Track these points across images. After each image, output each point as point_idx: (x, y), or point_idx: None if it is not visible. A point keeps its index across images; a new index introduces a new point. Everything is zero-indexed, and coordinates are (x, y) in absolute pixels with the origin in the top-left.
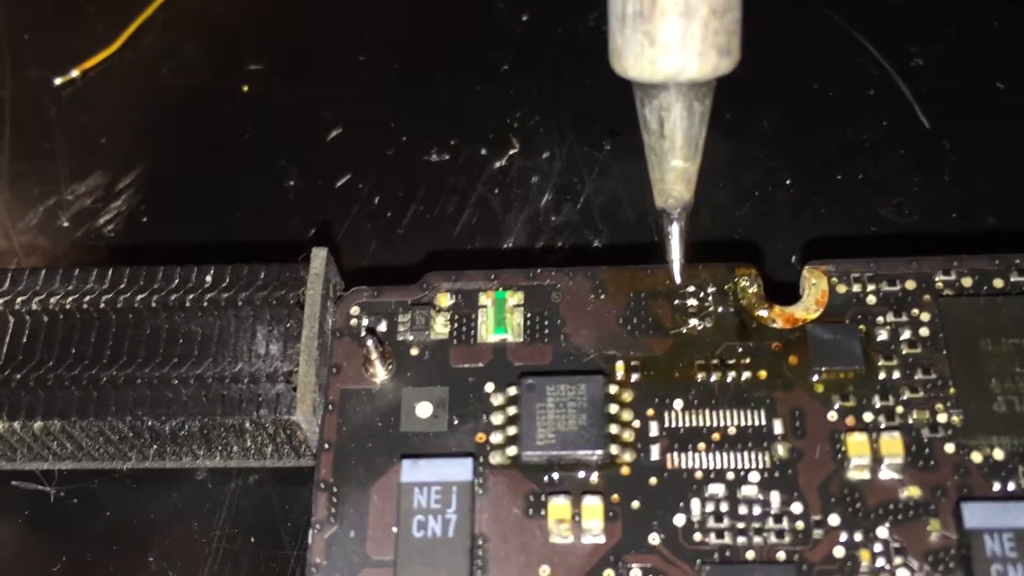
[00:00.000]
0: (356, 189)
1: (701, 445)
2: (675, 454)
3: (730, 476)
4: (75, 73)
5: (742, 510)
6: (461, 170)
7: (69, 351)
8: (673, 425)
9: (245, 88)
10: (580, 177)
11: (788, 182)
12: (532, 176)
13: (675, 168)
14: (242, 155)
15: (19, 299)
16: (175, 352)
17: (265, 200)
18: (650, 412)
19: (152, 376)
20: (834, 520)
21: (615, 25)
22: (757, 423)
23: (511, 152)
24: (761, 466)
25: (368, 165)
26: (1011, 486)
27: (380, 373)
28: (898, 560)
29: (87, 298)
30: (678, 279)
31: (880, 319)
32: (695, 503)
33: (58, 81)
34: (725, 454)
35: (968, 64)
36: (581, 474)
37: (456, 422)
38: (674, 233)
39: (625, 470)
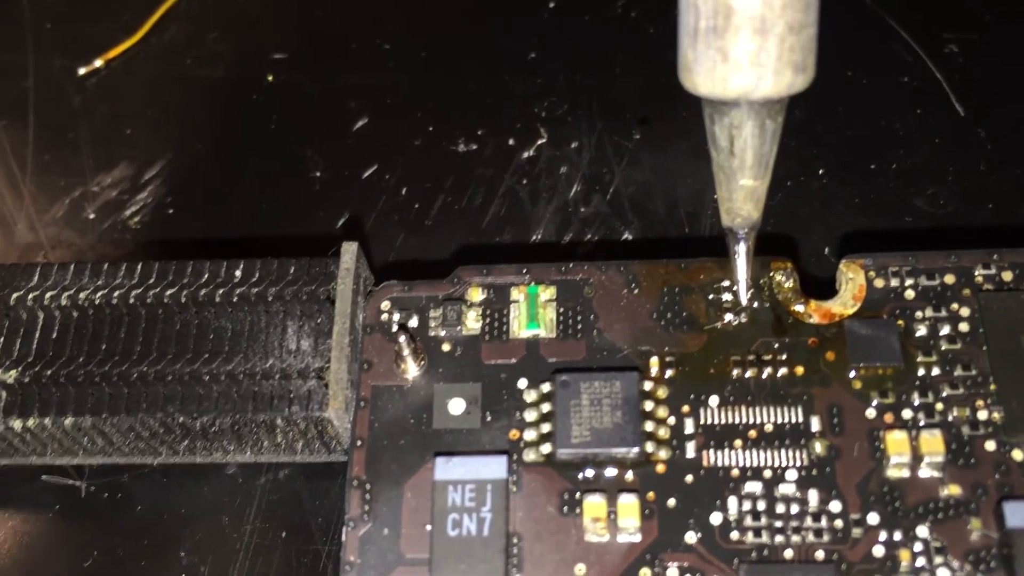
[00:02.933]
0: (383, 180)
1: (737, 442)
2: (711, 451)
3: (767, 474)
4: (99, 63)
5: (780, 508)
6: (489, 161)
7: (99, 347)
8: (709, 422)
9: (270, 78)
10: (609, 167)
11: (821, 172)
12: (561, 166)
13: (744, 187)
14: (267, 146)
15: (48, 294)
16: (205, 348)
17: (291, 191)
18: (685, 409)
19: (183, 372)
20: (873, 519)
21: (686, 40)
22: (794, 420)
23: (539, 142)
24: (799, 464)
25: (395, 156)
26: None
27: (412, 369)
28: (938, 560)
29: (116, 293)
30: (744, 300)
31: (919, 314)
32: (732, 501)
33: (82, 71)
34: (762, 451)
35: (1003, 51)
36: (616, 472)
37: (489, 419)
38: (741, 253)
39: (661, 468)
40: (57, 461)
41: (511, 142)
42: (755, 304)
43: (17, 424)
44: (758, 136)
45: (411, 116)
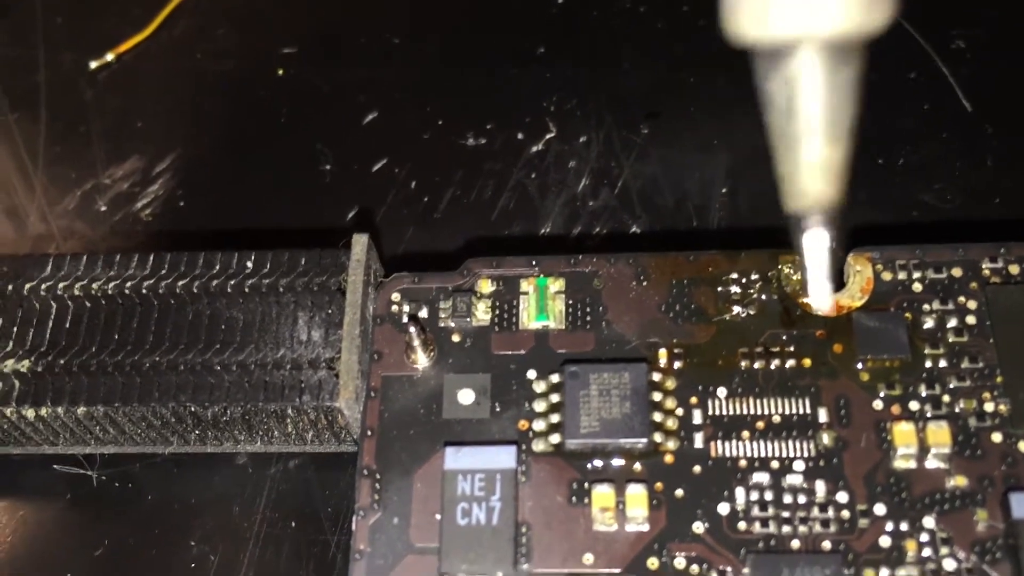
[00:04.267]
0: (392, 173)
1: (745, 433)
2: (719, 442)
3: (775, 465)
4: (110, 57)
5: (787, 499)
6: (498, 155)
7: (111, 336)
8: (717, 413)
9: (280, 72)
10: (618, 161)
11: None
12: (569, 160)
13: (813, 157)
14: (277, 139)
15: (61, 284)
16: (217, 338)
17: (301, 184)
18: (693, 400)
19: (194, 362)
20: (880, 509)
21: None
22: (802, 411)
23: (548, 136)
24: (806, 455)
25: (404, 149)
26: None
27: (422, 360)
28: (944, 550)
29: (129, 283)
30: (824, 307)
31: (926, 307)
32: (740, 492)
33: (93, 65)
34: (769, 442)
35: (1010, 47)
36: (624, 462)
37: (498, 409)
38: (810, 244)
39: (669, 458)
40: (69, 450)
41: (520, 136)
42: (763, 296)
43: (30, 413)
44: (828, 87)
45: (420, 110)
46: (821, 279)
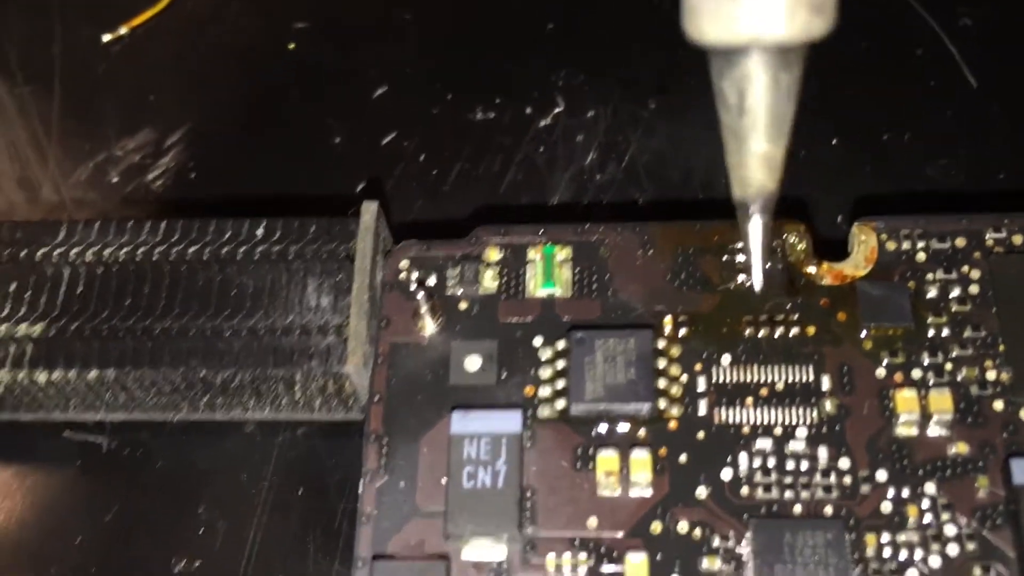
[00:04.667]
0: (402, 147)
1: (749, 400)
2: (723, 409)
3: (778, 431)
4: (123, 31)
5: (789, 465)
6: (506, 129)
7: (123, 302)
8: (721, 380)
9: (291, 46)
10: (625, 135)
11: (834, 142)
12: (577, 134)
13: (757, 151)
14: (288, 113)
15: (74, 251)
16: (227, 304)
17: (311, 158)
18: (698, 367)
19: (205, 327)
20: (882, 476)
21: None
22: (805, 379)
23: (556, 111)
24: (809, 421)
25: (413, 123)
26: None
27: (429, 326)
28: (945, 516)
29: (141, 250)
30: (759, 285)
31: (930, 276)
32: (743, 457)
33: (107, 38)
34: (773, 409)
35: (1016, 25)
36: (629, 427)
37: (505, 375)
38: (753, 228)
39: (673, 424)
40: (80, 416)
41: (528, 111)
42: (768, 265)
43: (42, 376)
44: (772, 90)
45: (430, 85)
46: (758, 257)
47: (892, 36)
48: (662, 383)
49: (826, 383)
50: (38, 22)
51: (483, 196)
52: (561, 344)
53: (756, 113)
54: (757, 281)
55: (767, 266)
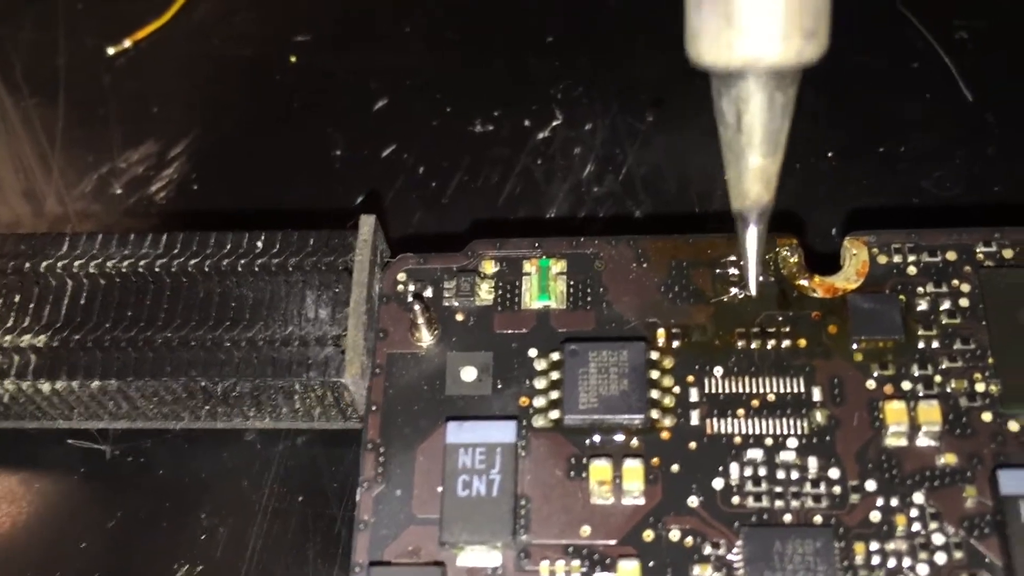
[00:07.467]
0: (401, 159)
1: (740, 411)
2: (715, 419)
3: (768, 441)
4: (127, 43)
5: (780, 475)
6: (505, 141)
7: (125, 313)
8: (713, 391)
9: (293, 59)
10: (622, 148)
11: (830, 154)
12: (575, 147)
13: (753, 166)
14: (290, 125)
15: (77, 262)
16: (227, 315)
17: (312, 169)
18: (690, 378)
19: (205, 338)
20: (871, 485)
21: (691, 4)
22: (796, 390)
23: (554, 123)
24: (799, 432)
25: (413, 135)
26: None
27: (426, 338)
28: (933, 525)
29: (142, 262)
30: (754, 290)
31: (920, 289)
32: (734, 467)
33: (111, 51)
34: (764, 420)
35: (1012, 39)
36: (622, 438)
37: (500, 386)
38: (750, 238)
39: (665, 434)
40: (83, 425)
41: (527, 123)
42: (760, 279)
43: (46, 386)
44: (767, 110)
45: (429, 97)
46: (754, 264)
47: (888, 49)
48: (655, 394)
49: (817, 394)
50: (43, 35)
51: (481, 208)
52: (555, 355)
53: (752, 130)
54: (753, 287)
55: (760, 278)
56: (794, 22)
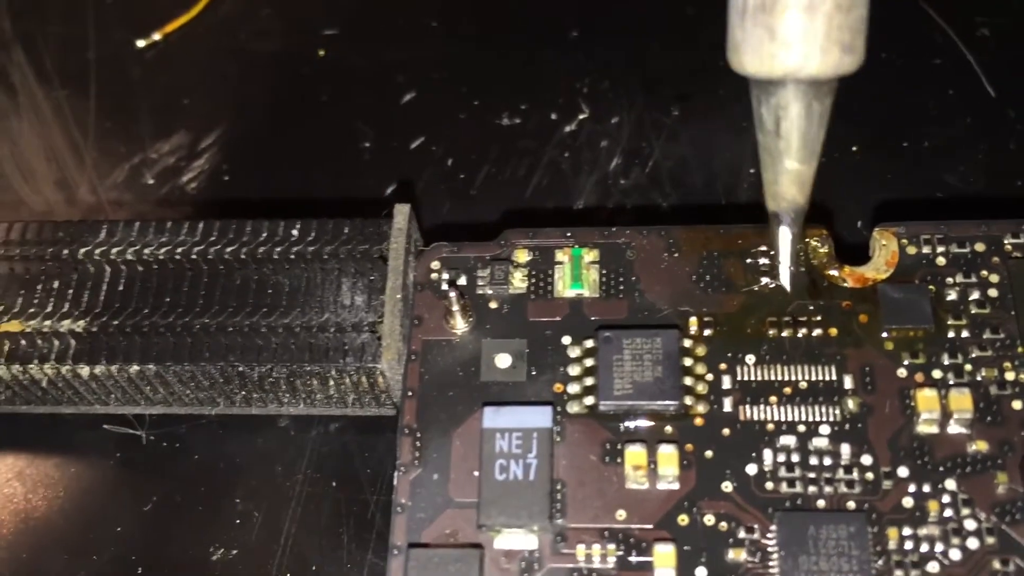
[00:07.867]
0: (430, 151)
1: (773, 398)
2: (747, 406)
3: (801, 428)
4: (157, 36)
5: (813, 461)
6: (532, 134)
7: (163, 299)
8: (745, 379)
9: (321, 52)
10: (648, 141)
11: (854, 149)
12: (601, 140)
13: (789, 170)
14: (318, 117)
15: (115, 249)
16: (264, 302)
17: (341, 162)
18: (723, 366)
19: (242, 324)
20: (903, 472)
21: (735, 19)
22: (828, 378)
23: (581, 117)
24: (831, 419)
25: (441, 128)
26: None
27: (460, 325)
28: (965, 511)
29: (179, 249)
30: (788, 286)
31: (949, 280)
32: (767, 453)
33: (141, 44)
34: (796, 407)
35: None
36: (656, 424)
37: (534, 373)
38: (785, 238)
39: (699, 421)
40: (119, 410)
41: (553, 116)
42: (793, 273)
43: (85, 371)
44: (805, 118)
45: (457, 90)
46: (788, 262)
47: (911, 46)
48: (688, 381)
49: (848, 382)
50: (73, 28)
51: (509, 200)
52: (589, 343)
53: (790, 137)
54: (787, 283)
55: (793, 273)
56: (833, 37)
